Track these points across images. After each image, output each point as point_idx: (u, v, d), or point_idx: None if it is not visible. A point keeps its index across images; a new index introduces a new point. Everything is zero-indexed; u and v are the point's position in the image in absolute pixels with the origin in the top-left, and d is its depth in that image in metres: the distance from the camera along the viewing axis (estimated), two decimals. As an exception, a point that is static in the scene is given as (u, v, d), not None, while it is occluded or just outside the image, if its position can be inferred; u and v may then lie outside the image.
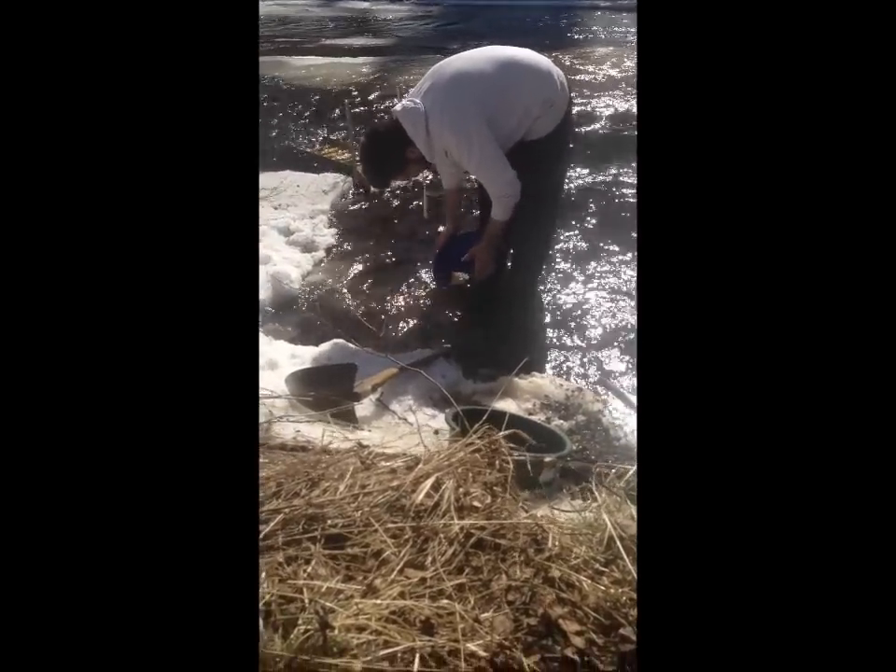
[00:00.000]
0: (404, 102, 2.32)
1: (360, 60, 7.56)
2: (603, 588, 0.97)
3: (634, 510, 1.13)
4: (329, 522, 1.01)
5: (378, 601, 0.88)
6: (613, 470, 1.37)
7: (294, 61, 7.47)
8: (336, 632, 0.82)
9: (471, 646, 0.85)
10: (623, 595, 0.95)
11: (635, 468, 1.33)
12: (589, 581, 0.98)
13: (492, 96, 2.24)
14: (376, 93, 6.02)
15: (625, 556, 1.01)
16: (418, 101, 2.28)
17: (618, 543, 1.03)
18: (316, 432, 1.55)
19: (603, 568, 1.01)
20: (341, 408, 1.74)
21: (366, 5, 11.61)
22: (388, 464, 1.23)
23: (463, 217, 2.87)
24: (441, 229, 3.05)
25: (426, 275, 3.06)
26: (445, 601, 0.92)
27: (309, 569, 0.93)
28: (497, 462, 1.32)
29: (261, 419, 1.58)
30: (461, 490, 1.17)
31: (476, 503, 1.16)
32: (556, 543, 1.07)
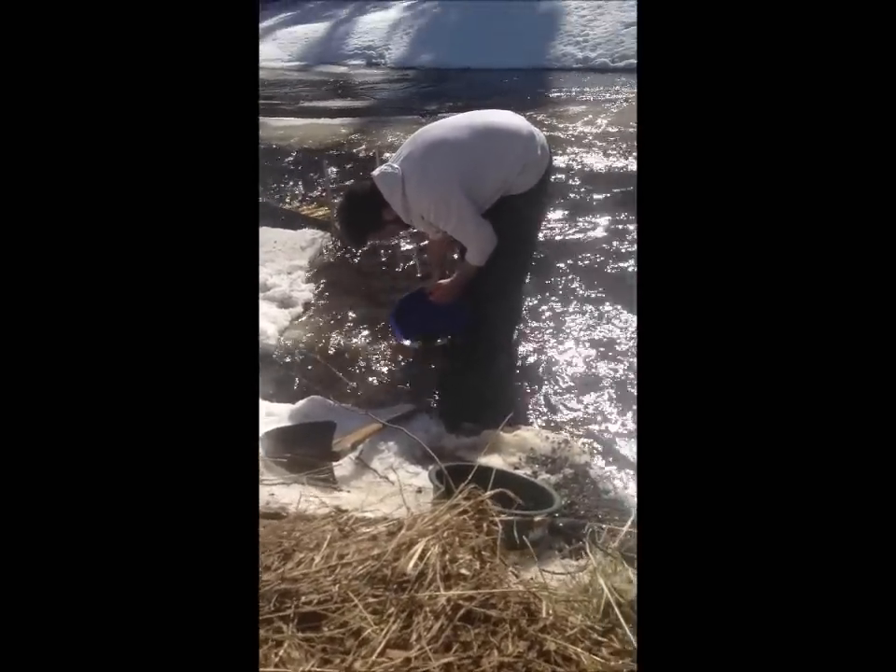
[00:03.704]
0: (382, 167, 2.38)
1: (338, 121, 7.68)
2: (602, 660, 0.89)
3: (631, 572, 1.07)
4: (304, 598, 0.93)
5: (358, 688, 0.80)
6: (606, 529, 1.30)
7: (272, 122, 7.57)
8: (311, 727, 0.74)
9: (462, 736, 0.77)
10: (623, 668, 0.87)
11: (627, 526, 1.27)
12: (587, 654, 0.90)
13: (470, 164, 2.28)
14: (355, 151, 6.10)
15: (624, 624, 0.94)
16: (396, 166, 2.33)
17: (616, 610, 0.96)
18: (293, 495, 1.47)
19: (601, 638, 0.94)
20: (318, 470, 1.66)
21: (343, 69, 11.92)
22: (369, 530, 1.15)
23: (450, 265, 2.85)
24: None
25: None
26: (432, 684, 0.84)
27: (281, 653, 0.85)
28: (484, 524, 1.25)
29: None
30: (447, 557, 1.10)
31: (464, 570, 1.09)
32: (550, 612, 1.00)
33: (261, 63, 12.41)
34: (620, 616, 0.94)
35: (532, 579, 1.20)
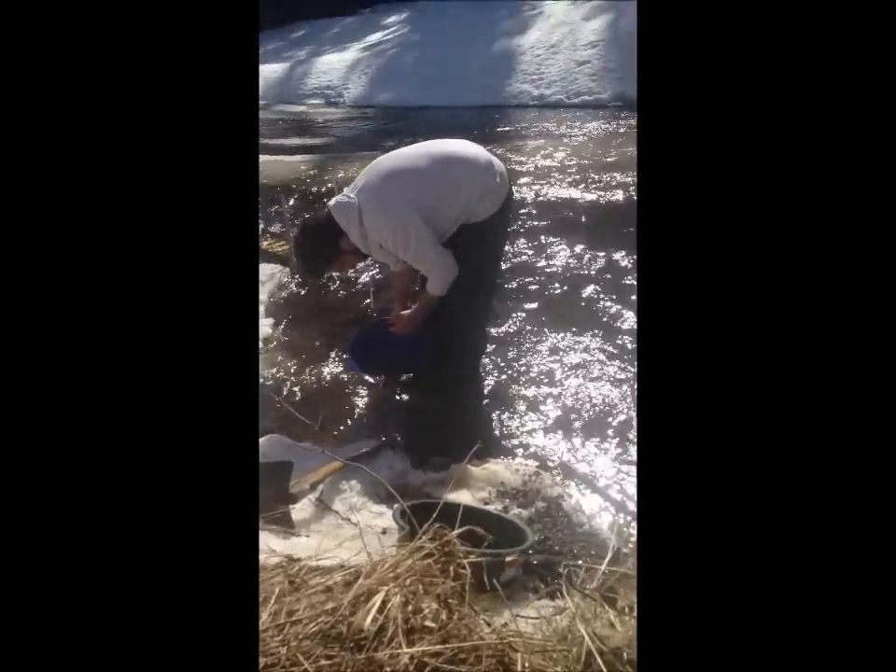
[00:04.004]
0: (338, 196, 2.33)
1: (298, 158, 7.64)
2: (587, 722, 0.79)
3: (612, 615, 0.97)
4: (246, 665, 0.81)
5: None
6: (582, 566, 1.21)
7: (231, 160, 7.48)
8: None
9: None
10: (611, 729, 0.77)
11: (605, 564, 1.18)
12: (569, 714, 0.80)
13: (428, 191, 2.24)
14: (312, 187, 6.05)
15: (609, 676, 0.84)
16: (352, 195, 2.28)
17: (598, 660, 0.87)
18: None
19: (584, 695, 0.84)
20: (272, 514, 1.54)
21: (302, 108, 11.96)
22: (323, 580, 1.04)
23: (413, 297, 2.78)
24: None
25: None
26: None
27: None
28: (451, 568, 1.14)
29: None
30: (410, 608, 0.99)
31: (429, 622, 0.98)
32: (527, 665, 0.90)
33: (220, 104, 12.41)
34: (602, 666, 0.85)
35: (505, 626, 1.10)
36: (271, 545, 1.27)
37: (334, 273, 3.66)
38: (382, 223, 2.22)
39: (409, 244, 2.22)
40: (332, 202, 2.31)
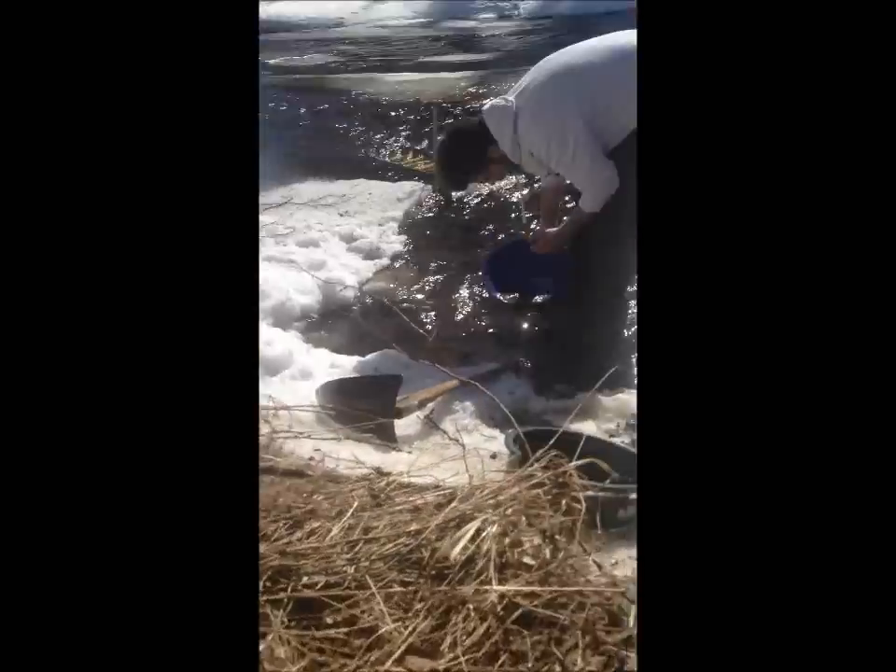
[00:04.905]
0: (493, 100, 2.17)
1: (458, 74, 7.34)
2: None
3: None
4: (306, 580, 0.71)
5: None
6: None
7: (386, 77, 7.38)
8: None
9: None
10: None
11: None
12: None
13: (597, 91, 1.98)
14: (468, 102, 5.82)
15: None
16: (510, 98, 2.10)
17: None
18: (343, 453, 1.27)
19: None
20: (367, 424, 1.45)
21: (472, 24, 11.46)
22: (412, 499, 0.92)
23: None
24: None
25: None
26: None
27: (262, 648, 0.63)
28: (563, 501, 0.98)
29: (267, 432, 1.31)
30: (507, 541, 0.85)
31: (528, 559, 0.84)
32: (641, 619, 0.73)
33: (381, 22, 12.17)
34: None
35: (614, 563, 0.94)
36: (361, 456, 1.17)
37: (478, 184, 3.48)
38: (535, 129, 2.02)
39: (564, 153, 1.98)
40: (487, 105, 2.15)
